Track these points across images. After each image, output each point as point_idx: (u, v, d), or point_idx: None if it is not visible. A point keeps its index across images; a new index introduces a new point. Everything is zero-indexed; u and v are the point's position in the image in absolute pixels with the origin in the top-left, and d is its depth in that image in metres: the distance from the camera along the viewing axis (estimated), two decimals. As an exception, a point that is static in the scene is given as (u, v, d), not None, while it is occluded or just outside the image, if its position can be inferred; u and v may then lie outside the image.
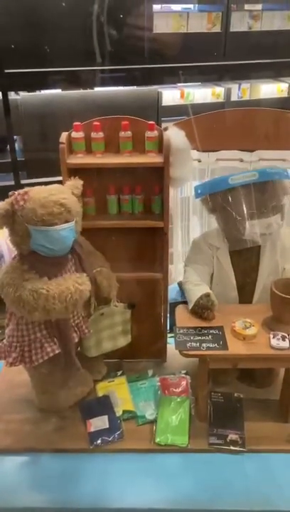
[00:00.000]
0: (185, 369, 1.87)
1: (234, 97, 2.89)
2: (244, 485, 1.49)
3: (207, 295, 1.61)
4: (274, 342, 1.50)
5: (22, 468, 1.57)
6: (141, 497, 1.46)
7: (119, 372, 1.88)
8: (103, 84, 2.17)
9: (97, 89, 2.35)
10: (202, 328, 1.58)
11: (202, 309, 1.61)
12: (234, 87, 2.89)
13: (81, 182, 1.53)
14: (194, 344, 1.52)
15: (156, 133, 1.61)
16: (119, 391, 1.79)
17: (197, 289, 1.63)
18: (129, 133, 1.62)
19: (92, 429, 1.64)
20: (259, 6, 2.39)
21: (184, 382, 1.81)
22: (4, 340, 1.58)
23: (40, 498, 1.47)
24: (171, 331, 1.95)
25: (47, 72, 2.08)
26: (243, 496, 1.46)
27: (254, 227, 1.56)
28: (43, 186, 1.45)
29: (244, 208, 1.56)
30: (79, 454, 1.59)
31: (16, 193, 1.40)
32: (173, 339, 1.97)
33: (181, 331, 1.57)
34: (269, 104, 2.70)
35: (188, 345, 1.52)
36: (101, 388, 1.81)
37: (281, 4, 2.40)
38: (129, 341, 1.85)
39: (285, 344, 1.50)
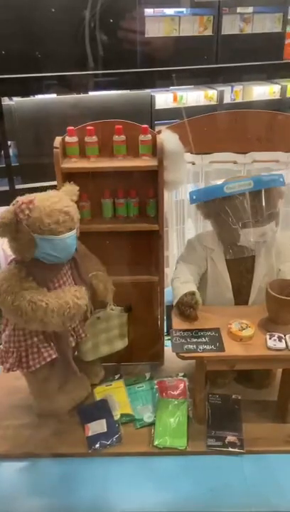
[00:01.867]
0: (182, 371, 1.87)
1: (227, 100, 2.91)
2: (243, 486, 1.49)
3: (192, 293, 1.60)
4: (270, 343, 1.50)
5: (21, 473, 1.57)
6: (141, 500, 1.46)
7: (117, 376, 1.88)
8: (96, 88, 2.18)
9: (91, 93, 2.36)
10: (198, 330, 1.58)
11: (184, 307, 1.61)
12: (227, 89, 2.91)
13: (77, 188, 1.53)
14: (191, 346, 1.52)
15: (149, 136, 1.62)
16: (117, 395, 1.79)
17: (184, 287, 1.63)
18: (122, 137, 1.62)
19: (90, 434, 1.64)
20: (250, 9, 2.41)
21: (182, 385, 1.81)
22: (1, 346, 1.58)
23: (40, 502, 1.47)
24: (168, 333, 1.96)
25: (40, 77, 2.08)
26: (242, 497, 1.46)
27: (249, 236, 1.56)
28: (43, 193, 1.43)
29: (239, 217, 1.56)
30: (78, 459, 1.59)
31: (20, 201, 1.37)
32: (170, 342, 1.98)
33: (177, 334, 1.57)
34: (261, 105, 2.72)
35: (185, 347, 1.52)
36: (99, 392, 1.81)
37: (271, 7, 2.42)
38: (126, 345, 1.85)
39: (281, 345, 1.50)
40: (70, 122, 1.64)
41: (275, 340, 1.51)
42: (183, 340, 1.55)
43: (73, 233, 1.44)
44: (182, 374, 1.87)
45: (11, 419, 1.73)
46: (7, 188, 2.03)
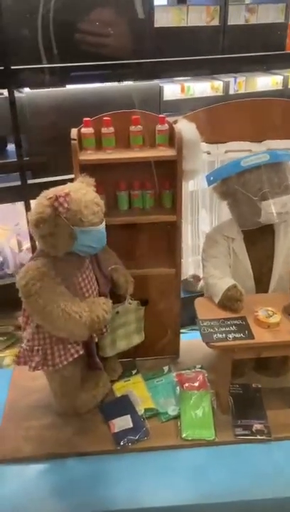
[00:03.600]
0: (199, 363, 1.87)
1: (231, 91, 2.94)
2: (275, 472, 1.49)
3: (235, 286, 1.61)
4: (298, 328, 1.51)
5: (48, 474, 1.52)
6: (175, 493, 1.44)
7: (134, 371, 1.86)
8: (105, 80, 2.17)
9: (100, 85, 2.33)
10: (225, 319, 1.58)
11: (231, 301, 1.61)
12: (231, 80, 2.94)
13: (92, 179, 1.50)
14: (220, 335, 1.51)
15: (166, 126, 1.60)
16: (137, 390, 1.76)
17: (222, 282, 1.63)
18: (139, 127, 1.60)
19: (116, 430, 1.61)
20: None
21: (201, 377, 1.80)
22: (23, 345, 1.53)
23: (71, 502, 1.43)
24: (182, 326, 1.95)
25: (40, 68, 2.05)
26: (276, 484, 1.46)
27: (270, 207, 1.56)
28: (68, 186, 1.41)
29: (258, 188, 1.56)
30: (106, 456, 1.56)
31: (57, 194, 1.32)
32: (185, 335, 1.98)
33: (205, 323, 1.56)
34: (264, 96, 2.73)
35: (214, 336, 1.51)
36: (119, 388, 1.78)
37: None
38: (143, 339, 1.83)
39: (308, 330, 1.51)
40: (82, 114, 1.60)
41: (302, 325, 1.52)
42: (212, 330, 1.53)
43: (104, 223, 1.44)
44: (199, 366, 1.86)
45: (32, 420, 1.68)
46: (19, 182, 1.98)
